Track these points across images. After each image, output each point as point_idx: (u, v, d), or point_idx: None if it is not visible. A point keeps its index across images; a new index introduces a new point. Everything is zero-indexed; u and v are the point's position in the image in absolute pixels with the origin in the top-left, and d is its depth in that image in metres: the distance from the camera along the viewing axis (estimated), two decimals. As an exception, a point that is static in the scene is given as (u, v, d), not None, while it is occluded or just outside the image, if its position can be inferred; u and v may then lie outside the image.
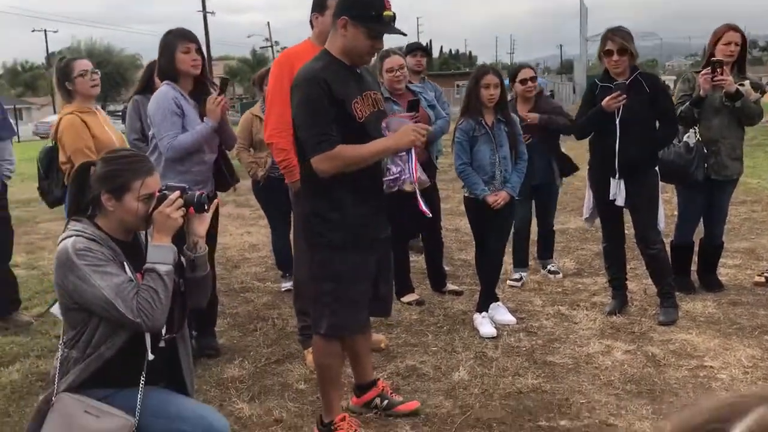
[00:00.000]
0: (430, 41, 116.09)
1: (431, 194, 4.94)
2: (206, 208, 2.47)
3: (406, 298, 4.94)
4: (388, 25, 2.91)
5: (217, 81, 4.17)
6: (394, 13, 2.92)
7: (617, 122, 4.26)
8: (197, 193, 2.46)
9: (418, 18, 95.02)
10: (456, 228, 7.39)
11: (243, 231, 8.03)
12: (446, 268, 5.52)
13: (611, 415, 3.22)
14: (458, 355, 3.99)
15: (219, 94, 3.94)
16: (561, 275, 5.51)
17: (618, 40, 4.28)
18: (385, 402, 3.30)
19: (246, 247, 7.22)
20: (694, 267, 5.12)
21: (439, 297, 5.11)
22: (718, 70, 4.43)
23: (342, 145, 2.80)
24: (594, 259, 5.96)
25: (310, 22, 3.86)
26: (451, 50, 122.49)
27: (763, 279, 5.08)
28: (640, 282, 5.11)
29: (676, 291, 4.61)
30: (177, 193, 2.38)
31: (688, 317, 4.45)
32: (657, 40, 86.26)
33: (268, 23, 62.17)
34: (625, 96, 4.17)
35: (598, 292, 5.08)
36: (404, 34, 5.84)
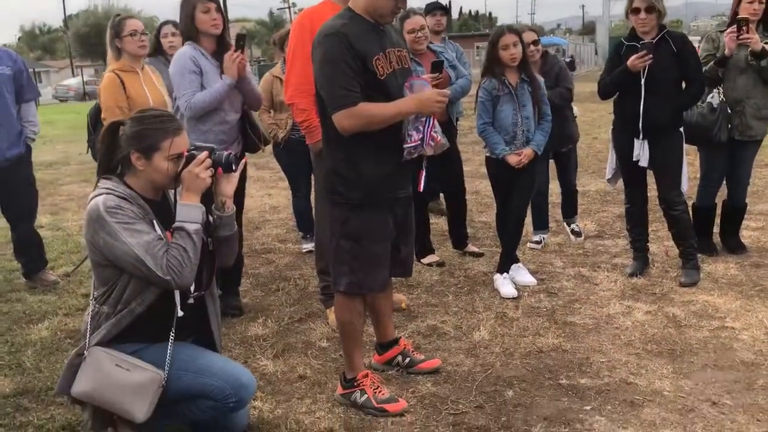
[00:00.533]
0: (450, 2, 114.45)
1: (452, 156, 4.94)
2: (234, 168, 2.49)
3: (427, 260, 4.97)
4: None
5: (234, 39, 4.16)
6: None
7: (642, 82, 4.20)
8: (225, 153, 2.48)
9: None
10: (476, 191, 7.38)
11: (263, 193, 8.09)
12: (468, 230, 5.53)
13: (631, 374, 3.24)
14: (479, 315, 4.02)
15: (235, 51, 3.93)
16: (583, 237, 5.49)
17: None
18: (407, 360, 3.34)
19: (267, 209, 7.28)
20: (716, 229, 5.08)
21: (459, 258, 5.14)
22: (744, 28, 4.34)
23: (364, 102, 2.79)
24: (615, 221, 5.93)
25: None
26: (470, 11, 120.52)
27: (786, 241, 5.03)
28: (661, 244, 5.09)
29: (698, 253, 4.58)
30: (205, 153, 2.41)
31: (709, 279, 4.43)
32: (682, 1, 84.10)
33: (286, -16, 61.54)
34: (651, 56, 4.10)
35: (619, 254, 5.07)
36: (434, 5, 5.74)
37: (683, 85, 4.30)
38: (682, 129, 4.40)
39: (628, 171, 4.54)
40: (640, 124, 4.27)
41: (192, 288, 2.49)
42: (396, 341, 3.37)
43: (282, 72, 5.42)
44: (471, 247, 5.27)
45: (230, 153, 2.51)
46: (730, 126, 4.58)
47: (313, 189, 5.43)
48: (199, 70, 3.87)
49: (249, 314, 4.22)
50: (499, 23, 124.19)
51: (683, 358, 3.38)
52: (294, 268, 5.18)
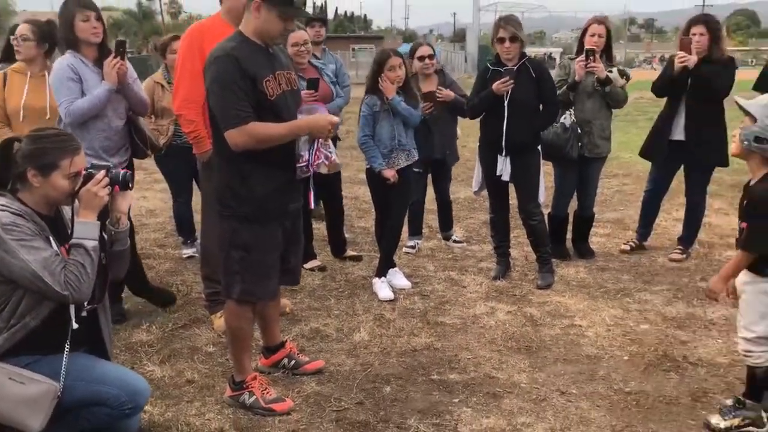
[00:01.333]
0: (325, 2, 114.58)
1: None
2: (130, 186, 2.60)
3: (309, 265, 5.19)
4: (300, 8, 3.09)
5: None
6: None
7: (506, 104, 4.65)
8: (122, 171, 2.58)
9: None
10: (355, 196, 7.67)
11: (138, 195, 7.95)
12: (346, 235, 5.80)
13: (494, 368, 3.63)
14: (359, 317, 4.30)
15: (114, 57, 3.96)
16: (465, 243, 5.92)
17: (510, 29, 4.64)
18: (292, 362, 3.56)
19: (143, 213, 7.20)
20: (569, 236, 5.65)
21: (340, 263, 5.40)
22: (591, 57, 4.92)
23: (256, 122, 2.96)
24: (481, 227, 6.41)
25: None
26: (346, 12, 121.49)
27: (628, 247, 5.69)
28: (521, 249, 5.60)
29: (553, 258, 5.11)
30: (103, 172, 2.51)
31: (562, 281, 4.96)
32: (545, 13, 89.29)
33: (157, -25, 59.36)
34: (513, 81, 4.55)
35: (485, 258, 5.53)
36: (312, 17, 6.01)
37: (540, 107, 4.79)
38: (539, 147, 4.89)
39: (492, 184, 4.98)
40: (503, 143, 4.72)
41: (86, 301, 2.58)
42: (282, 345, 3.57)
43: (163, 78, 5.46)
44: (350, 252, 5.54)
45: (126, 171, 2.61)
46: (580, 144, 5.13)
47: (194, 195, 5.55)
48: (78, 77, 3.88)
49: (132, 320, 4.27)
50: (374, 26, 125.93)
51: (538, 354, 3.81)
52: (175, 274, 5.23)
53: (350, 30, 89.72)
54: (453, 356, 3.78)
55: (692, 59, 4.96)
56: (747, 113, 2.83)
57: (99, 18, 3.98)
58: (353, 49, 52.20)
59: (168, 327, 4.17)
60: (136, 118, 4.19)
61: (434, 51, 5.59)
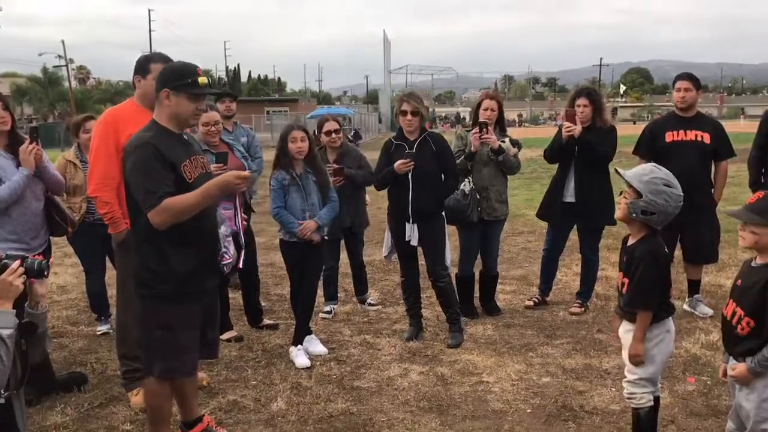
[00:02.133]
0: (238, 66, 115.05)
1: (248, 233, 5.34)
2: (46, 274, 2.69)
3: (226, 336, 5.25)
4: (204, 87, 3.31)
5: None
6: (208, 79, 3.35)
7: (410, 177, 4.97)
8: (36, 261, 2.67)
9: (225, 42, 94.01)
10: (271, 263, 7.78)
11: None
12: (262, 304, 5.91)
13: (407, 429, 3.80)
14: (276, 387, 4.40)
15: (30, 143, 4.10)
16: (380, 306, 6.12)
17: (412, 103, 5.01)
18: (210, 436, 3.63)
19: (54, 289, 7.07)
20: (477, 294, 5.96)
21: (256, 332, 5.49)
22: (485, 129, 5.34)
23: (169, 198, 3.09)
24: (395, 289, 6.65)
25: (133, 83, 4.13)
26: (259, 75, 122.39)
27: (531, 303, 6.04)
28: (433, 309, 5.85)
29: (462, 316, 5.39)
30: (18, 261, 2.59)
31: (471, 339, 5.22)
32: (453, 74, 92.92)
33: (63, 41, 58.49)
34: (413, 162, 4.89)
35: (399, 320, 5.75)
36: (220, 94, 6.30)
37: (442, 177, 5.13)
38: (443, 213, 5.21)
39: (401, 249, 5.25)
40: (410, 211, 5.01)
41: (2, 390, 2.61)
42: (200, 419, 3.64)
43: (75, 156, 5.53)
44: (267, 321, 5.65)
45: (42, 260, 2.70)
46: (479, 208, 5.50)
47: (107, 271, 5.56)
48: None
49: (46, 402, 4.21)
50: (288, 89, 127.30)
51: (448, 412, 4.02)
52: (89, 352, 5.19)
53: (264, 93, 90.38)
54: (368, 420, 3.93)
55: (577, 129, 5.45)
56: (630, 185, 3.18)
57: (6, 107, 4.11)
58: (268, 113, 52.63)
59: (83, 407, 4.15)
60: (52, 197, 4.28)
61: (340, 125, 5.93)
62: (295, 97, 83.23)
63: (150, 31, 68.63)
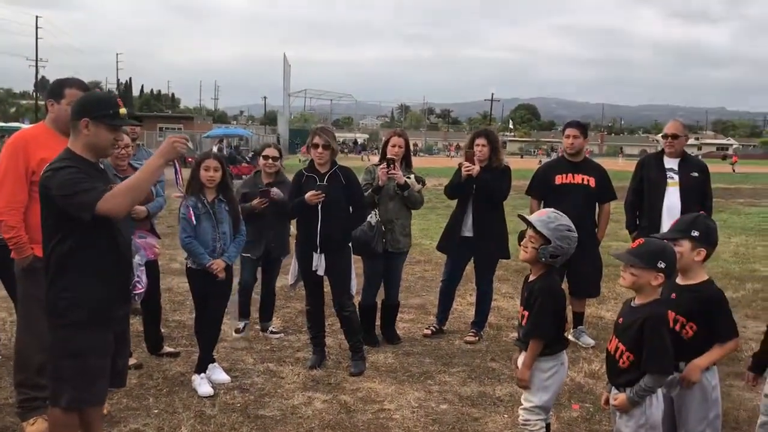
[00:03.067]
0: (130, 79, 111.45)
1: (149, 263, 5.29)
2: None
3: (125, 363, 5.16)
4: (125, 118, 3.34)
5: None
6: (128, 109, 3.38)
7: (319, 208, 5.12)
8: None
9: (117, 54, 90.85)
10: (169, 288, 7.66)
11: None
12: (162, 330, 5.84)
13: (312, 456, 3.91)
14: (179, 416, 4.38)
15: None
16: (282, 334, 6.18)
17: (324, 137, 5.19)
18: (114, 466, 3.59)
19: (-68, 312, 6.66)
20: (378, 323, 6.15)
21: (156, 360, 5.42)
22: (392, 165, 5.59)
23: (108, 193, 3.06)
24: (298, 316, 6.73)
25: (45, 107, 4.07)
26: (152, 90, 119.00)
27: (429, 331, 6.29)
28: (336, 338, 5.98)
29: (365, 345, 5.55)
30: None
31: (372, 367, 5.39)
32: (352, 101, 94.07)
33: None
34: (324, 194, 5.08)
35: (302, 348, 5.84)
36: (140, 125, 6.26)
37: (350, 209, 5.32)
38: (350, 243, 5.39)
39: (307, 277, 5.37)
40: (318, 241, 5.16)
41: None
42: (103, 449, 3.60)
43: None
44: (167, 348, 5.59)
45: None
46: (384, 240, 5.72)
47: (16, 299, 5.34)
48: None
49: (-71, 435, 4.01)
50: (182, 105, 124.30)
51: (352, 439, 4.16)
52: (-24, 379, 4.95)
53: (157, 109, 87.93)
54: (274, 447, 4.01)
55: (475, 169, 5.80)
56: (536, 231, 3.43)
57: None
58: (161, 129, 51.25)
59: (-28, 439, 3.99)
60: None
61: (280, 153, 6.18)
62: (190, 114, 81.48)
63: (37, 38, 65.33)
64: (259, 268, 6.25)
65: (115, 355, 3.35)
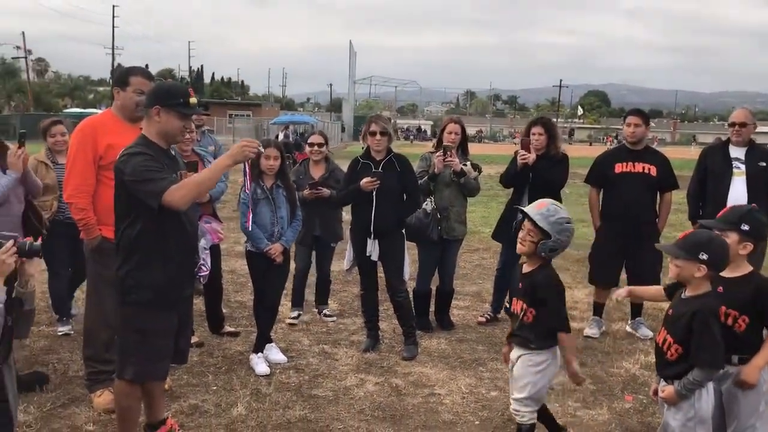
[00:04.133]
0: (202, 66, 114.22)
1: (214, 244, 5.50)
2: (40, 255, 2.83)
3: (187, 341, 5.39)
4: (194, 107, 3.48)
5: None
6: (198, 99, 3.53)
7: (374, 194, 5.20)
8: (28, 242, 2.80)
9: (189, 42, 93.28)
10: (232, 270, 7.90)
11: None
12: (223, 311, 6.05)
13: (362, 436, 4.01)
14: (236, 393, 4.55)
15: (19, 148, 4.28)
16: (335, 318, 6.31)
17: (381, 124, 5.28)
18: (173, 438, 3.78)
19: (13, 288, 7.07)
20: (432, 309, 6.20)
21: (217, 339, 5.63)
22: (448, 153, 5.61)
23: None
24: (354, 300, 6.85)
25: (112, 95, 4.28)
26: (222, 77, 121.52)
27: (484, 319, 6.31)
28: (390, 322, 6.07)
29: (418, 330, 5.62)
30: (11, 242, 2.73)
31: (425, 353, 5.46)
32: (417, 87, 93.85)
33: (23, 33, 57.24)
34: (379, 182, 5.14)
35: (356, 331, 5.95)
36: (207, 115, 6.46)
37: (404, 197, 5.37)
38: (404, 230, 5.46)
39: (362, 263, 5.47)
40: (372, 227, 5.24)
41: None
42: (163, 421, 3.78)
43: (47, 157, 5.62)
44: (228, 328, 5.79)
45: (32, 241, 2.82)
46: (439, 227, 5.75)
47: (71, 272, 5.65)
48: None
49: (8, 402, 4.29)
50: (251, 92, 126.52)
51: (402, 422, 4.24)
52: (50, 352, 5.26)
53: (227, 96, 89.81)
54: (325, 427, 4.13)
55: (531, 157, 5.76)
56: (536, 225, 3.42)
57: None
58: (230, 116, 52.36)
59: (46, 407, 4.24)
60: (31, 201, 4.42)
61: (326, 140, 6.21)
62: (258, 101, 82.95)
63: (113, 27, 67.56)
64: (313, 254, 6.37)
65: (177, 333, 3.52)
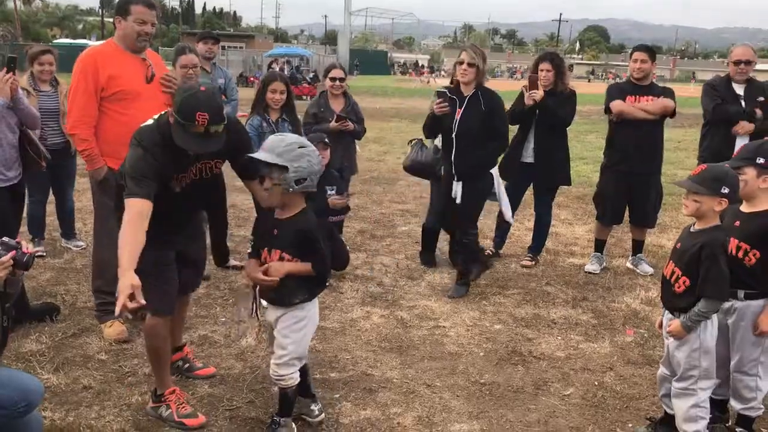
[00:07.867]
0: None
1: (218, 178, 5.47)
2: (29, 268, 2.68)
3: (193, 274, 5.43)
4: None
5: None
6: (207, 31, 3.42)
7: (453, 136, 5.11)
8: (26, 254, 2.65)
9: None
10: (233, 204, 7.89)
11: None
12: (228, 244, 6.07)
13: (369, 367, 4.10)
14: (244, 324, 4.62)
15: (7, 72, 4.12)
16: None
17: (471, 53, 5.07)
18: (186, 365, 3.85)
19: (15, 220, 7.08)
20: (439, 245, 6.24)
21: (222, 272, 5.67)
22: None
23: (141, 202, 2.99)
24: (356, 236, 6.89)
25: (113, 24, 4.18)
26: (215, 8, 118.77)
27: (487, 255, 6.36)
28: (392, 257, 6.12)
29: (422, 265, 5.67)
30: (11, 254, 2.59)
31: (429, 287, 5.53)
32: (415, 19, 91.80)
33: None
34: (447, 105, 5.02)
35: (360, 265, 6.00)
36: (206, 35, 6.28)
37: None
38: (493, 171, 5.35)
39: (448, 203, 5.32)
40: (453, 170, 5.19)
41: None
42: (181, 348, 3.86)
43: (29, 84, 5.54)
44: (233, 261, 5.83)
45: (31, 255, 2.68)
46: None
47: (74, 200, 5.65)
48: None
49: (19, 331, 4.35)
50: (243, 24, 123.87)
51: (408, 352, 4.32)
52: (58, 284, 5.30)
53: (219, 27, 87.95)
54: (333, 357, 4.21)
55: (539, 94, 5.68)
56: (269, 165, 3.02)
57: None
58: (223, 48, 51.33)
59: (58, 336, 4.31)
60: (27, 131, 4.33)
61: (345, 73, 6.07)
62: (252, 33, 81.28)
63: (102, -47, 65.50)
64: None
65: (182, 267, 3.50)
